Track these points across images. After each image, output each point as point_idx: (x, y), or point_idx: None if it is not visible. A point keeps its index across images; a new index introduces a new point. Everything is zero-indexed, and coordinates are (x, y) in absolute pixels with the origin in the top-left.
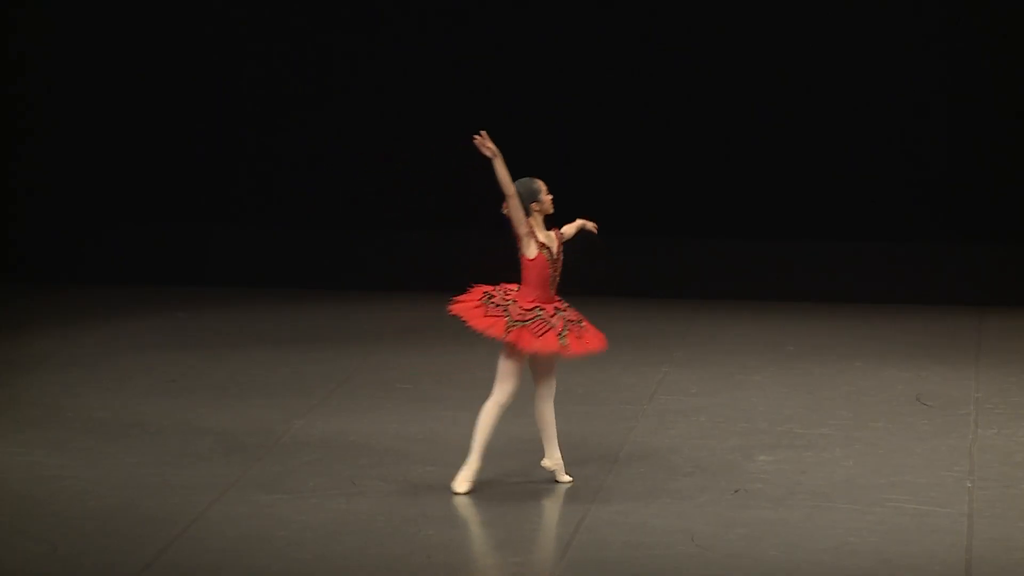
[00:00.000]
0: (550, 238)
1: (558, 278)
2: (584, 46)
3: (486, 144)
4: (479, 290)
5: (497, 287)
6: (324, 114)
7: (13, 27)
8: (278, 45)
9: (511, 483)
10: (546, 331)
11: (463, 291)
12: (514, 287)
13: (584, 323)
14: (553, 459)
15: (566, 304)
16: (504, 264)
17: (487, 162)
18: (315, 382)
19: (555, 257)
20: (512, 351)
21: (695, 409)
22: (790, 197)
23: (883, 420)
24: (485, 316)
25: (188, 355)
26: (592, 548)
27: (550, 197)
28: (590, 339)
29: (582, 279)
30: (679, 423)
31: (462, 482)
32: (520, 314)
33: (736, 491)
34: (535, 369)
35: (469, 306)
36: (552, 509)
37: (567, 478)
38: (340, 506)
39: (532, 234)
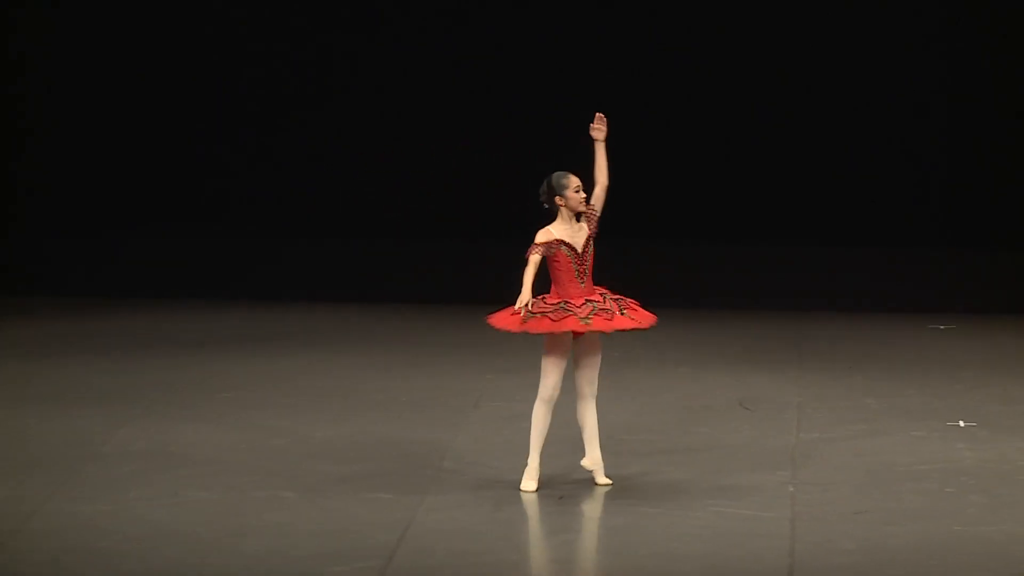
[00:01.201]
0: (576, 233)
1: (589, 269)
2: (584, 46)
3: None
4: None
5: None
6: (324, 114)
7: (13, 27)
8: (278, 45)
9: (338, 491)
10: (565, 316)
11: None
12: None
13: (627, 306)
14: (592, 459)
15: (607, 295)
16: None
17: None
18: (138, 391)
19: (580, 252)
20: (548, 346)
21: (519, 416)
22: (773, 200)
23: (707, 425)
24: (510, 315)
25: (13, 364)
26: (417, 556)
27: (579, 196)
28: (622, 320)
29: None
30: (504, 429)
31: (528, 481)
32: (541, 307)
33: (561, 497)
34: (576, 366)
35: (504, 314)
36: (377, 517)
37: (605, 480)
38: (162, 517)
39: (544, 235)
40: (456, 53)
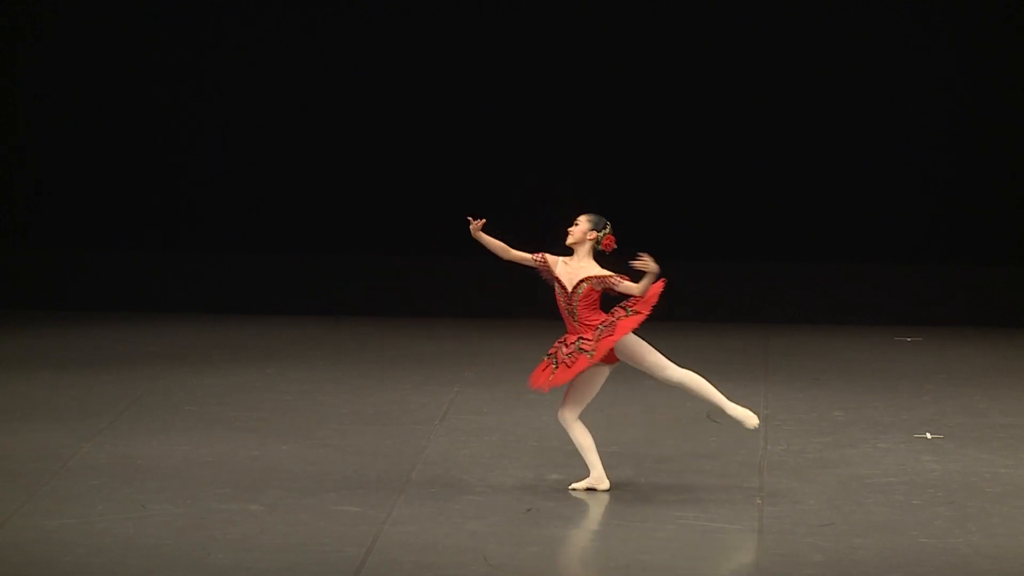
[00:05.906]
0: (573, 272)
1: (575, 311)
2: (584, 46)
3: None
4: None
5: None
6: (321, 118)
7: (13, 27)
8: (276, 45)
9: (304, 504)
10: (578, 357)
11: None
12: None
13: (587, 347)
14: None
15: (588, 335)
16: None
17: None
18: (103, 405)
19: (569, 291)
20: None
21: (487, 428)
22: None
23: (674, 437)
24: (540, 371)
25: None
26: (384, 569)
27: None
28: (566, 371)
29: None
30: (471, 442)
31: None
32: (561, 356)
33: (528, 510)
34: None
35: (536, 372)
36: (344, 530)
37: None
38: (128, 530)
39: (542, 269)
40: (456, 53)
